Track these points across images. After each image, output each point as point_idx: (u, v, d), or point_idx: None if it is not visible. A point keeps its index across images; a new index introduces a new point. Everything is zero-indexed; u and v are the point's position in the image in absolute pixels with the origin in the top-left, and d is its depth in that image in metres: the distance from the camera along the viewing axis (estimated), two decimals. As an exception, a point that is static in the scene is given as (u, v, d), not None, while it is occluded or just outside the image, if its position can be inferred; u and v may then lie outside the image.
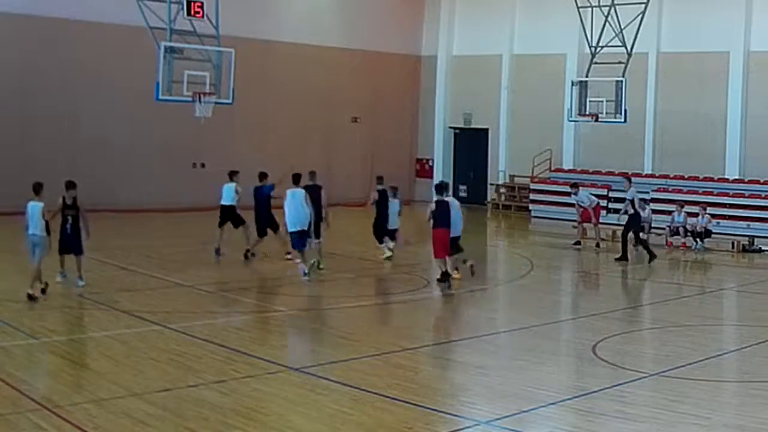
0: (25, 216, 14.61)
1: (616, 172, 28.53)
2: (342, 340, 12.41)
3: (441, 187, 16.82)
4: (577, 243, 22.76)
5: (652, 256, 20.36)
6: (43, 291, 14.36)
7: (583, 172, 30.50)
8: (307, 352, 11.63)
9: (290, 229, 16.68)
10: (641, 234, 21.64)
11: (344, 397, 9.60)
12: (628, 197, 20.72)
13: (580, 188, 23.31)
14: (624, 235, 20.62)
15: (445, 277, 16.36)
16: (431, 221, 16.21)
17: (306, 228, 16.85)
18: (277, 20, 30.75)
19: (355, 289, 16.66)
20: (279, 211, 17.87)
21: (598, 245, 22.30)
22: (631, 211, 20.55)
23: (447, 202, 16.46)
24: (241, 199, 19.07)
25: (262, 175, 19.27)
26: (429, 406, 9.38)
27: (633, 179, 26.55)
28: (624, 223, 20.92)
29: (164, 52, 19.53)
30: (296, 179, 17.40)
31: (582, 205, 22.83)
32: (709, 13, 27.76)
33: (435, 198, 16.54)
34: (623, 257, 20.35)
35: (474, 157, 34.36)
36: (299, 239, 16.71)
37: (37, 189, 14.71)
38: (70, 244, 15.71)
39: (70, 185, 15.68)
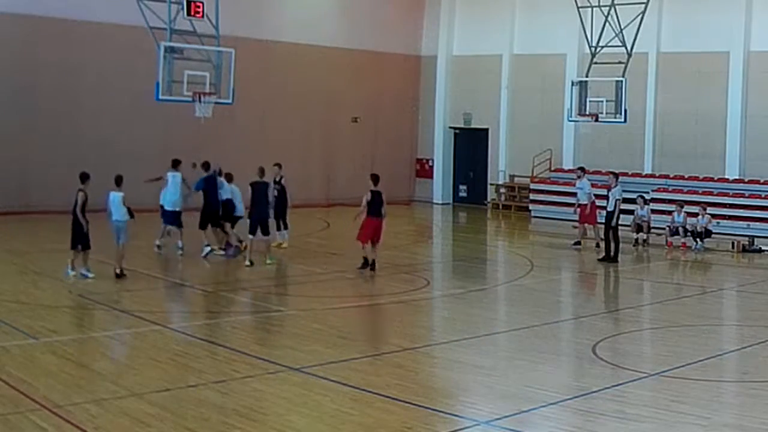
0: (107, 204, 16.33)
1: (616, 172, 28.48)
2: (342, 340, 12.41)
3: (377, 178, 18.17)
4: (577, 243, 22.75)
5: (613, 256, 20.22)
6: (121, 273, 16.02)
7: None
8: (307, 352, 11.63)
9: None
10: (642, 233, 21.64)
11: (344, 397, 9.61)
12: (616, 196, 20.55)
13: (586, 176, 23.12)
14: (607, 234, 20.52)
15: (366, 263, 17.62)
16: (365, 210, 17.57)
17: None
18: (277, 20, 30.74)
19: (355, 289, 16.66)
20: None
21: (597, 245, 22.28)
22: (611, 209, 20.42)
23: (380, 192, 17.75)
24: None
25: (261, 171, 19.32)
26: (429, 406, 9.38)
27: (632, 179, 26.61)
28: (604, 221, 20.81)
29: (164, 52, 19.53)
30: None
31: (579, 195, 22.61)
32: (709, 13, 27.74)
33: (373, 188, 17.72)
34: (607, 257, 20.31)
35: (474, 157, 34.34)
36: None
37: (119, 181, 16.41)
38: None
39: (87, 178, 16.36)
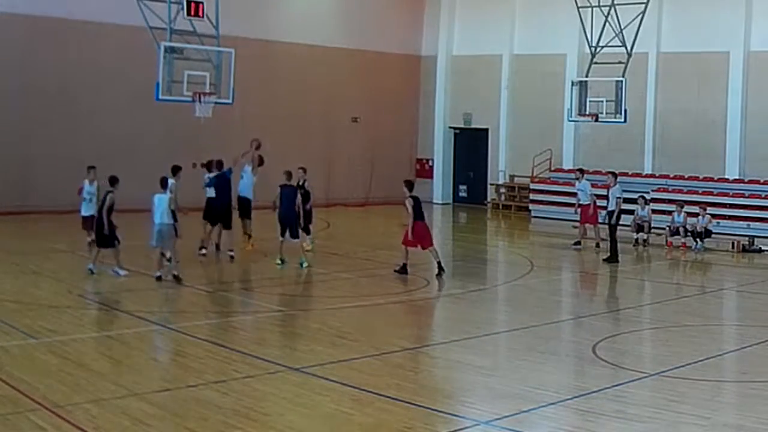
0: (152, 207, 16.02)
1: (615, 171, 28.48)
2: (342, 340, 12.41)
3: (412, 184, 18.34)
4: (578, 243, 22.74)
5: (614, 257, 20.24)
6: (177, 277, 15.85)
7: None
8: (307, 352, 11.63)
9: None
10: (642, 233, 21.61)
11: (344, 397, 9.60)
12: (617, 195, 20.57)
13: (585, 176, 23.12)
14: (612, 234, 20.52)
15: (405, 269, 17.60)
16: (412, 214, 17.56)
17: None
18: (277, 20, 30.75)
19: (355, 289, 16.66)
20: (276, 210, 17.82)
21: (597, 245, 22.29)
22: (612, 208, 20.43)
23: (418, 197, 18.05)
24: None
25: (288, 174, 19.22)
26: (429, 406, 9.38)
27: (632, 179, 26.59)
28: (606, 220, 20.80)
29: (164, 52, 19.52)
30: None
31: (580, 195, 22.61)
32: (709, 13, 27.75)
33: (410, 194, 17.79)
34: (613, 257, 20.30)
35: (474, 157, 34.34)
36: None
37: (164, 183, 16.18)
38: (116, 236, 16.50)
39: (116, 180, 16.56)
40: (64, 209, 23.00)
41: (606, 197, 21.06)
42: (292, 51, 30.80)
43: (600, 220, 22.18)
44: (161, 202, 15.88)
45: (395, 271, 17.62)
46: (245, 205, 19.87)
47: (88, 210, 18.19)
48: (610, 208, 20.51)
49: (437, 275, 17.41)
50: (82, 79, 26.30)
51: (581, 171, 23.51)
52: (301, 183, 19.94)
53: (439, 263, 17.61)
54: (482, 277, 19.90)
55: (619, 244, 20.49)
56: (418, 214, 17.64)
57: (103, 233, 16.14)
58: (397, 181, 33.60)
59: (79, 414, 8.68)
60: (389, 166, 33.53)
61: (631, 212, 23.19)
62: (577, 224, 23.30)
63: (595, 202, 22.52)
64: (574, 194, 23.51)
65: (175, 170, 18.02)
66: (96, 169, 18.52)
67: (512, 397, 9.75)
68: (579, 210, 22.77)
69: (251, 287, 16.98)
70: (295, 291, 16.49)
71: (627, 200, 21.92)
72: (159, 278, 15.79)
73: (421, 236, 17.67)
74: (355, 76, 32.62)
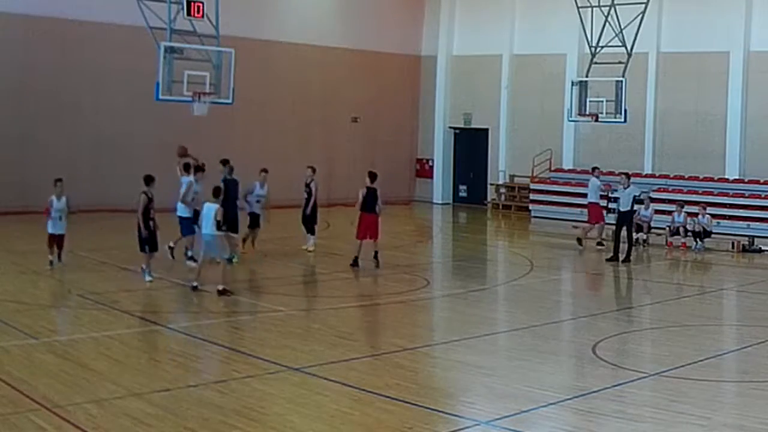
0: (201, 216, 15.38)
1: (617, 172, 28.50)
2: (342, 340, 12.41)
3: (374, 176, 18.62)
4: (600, 243, 22.40)
5: (614, 255, 20.24)
6: (226, 292, 14.85)
7: (583, 172, 30.48)
8: (307, 352, 11.63)
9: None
10: (642, 233, 21.59)
11: (344, 397, 9.61)
12: (634, 193, 20.67)
13: (599, 177, 22.84)
14: (629, 234, 20.56)
15: (356, 262, 18.02)
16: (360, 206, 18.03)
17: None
18: (277, 20, 30.75)
19: (355, 289, 16.66)
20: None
21: (600, 244, 22.29)
22: (627, 208, 20.46)
23: (375, 189, 18.23)
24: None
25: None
26: (429, 406, 9.38)
27: (633, 179, 26.53)
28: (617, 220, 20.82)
29: (164, 52, 19.52)
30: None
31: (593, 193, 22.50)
32: (709, 13, 27.75)
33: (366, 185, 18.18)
34: (615, 257, 20.30)
35: (474, 157, 34.34)
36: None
37: (217, 192, 15.40)
38: (155, 241, 16.03)
39: (151, 179, 16.12)
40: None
41: (606, 197, 21.07)
42: (292, 51, 30.81)
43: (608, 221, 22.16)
44: (210, 211, 15.08)
45: (350, 264, 18.05)
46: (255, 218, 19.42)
47: (56, 228, 16.81)
48: (623, 209, 20.46)
49: (351, 264, 17.95)
50: (81, 79, 26.29)
51: (596, 169, 23.20)
52: (308, 182, 19.97)
53: (375, 254, 18.20)
54: (482, 277, 19.90)
55: (623, 245, 20.50)
56: (368, 206, 18.03)
57: (140, 237, 15.74)
58: (397, 181, 34.04)
59: (79, 414, 8.68)
60: (389, 166, 33.50)
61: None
62: (592, 224, 22.84)
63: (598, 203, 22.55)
64: (574, 194, 23.52)
65: (195, 170, 17.67)
66: (63, 182, 17.17)
67: (512, 397, 9.75)
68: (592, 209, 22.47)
69: (251, 287, 16.97)
70: (295, 291, 16.50)
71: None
72: (195, 288, 15.16)
73: (361, 228, 18.07)
74: (355, 76, 32.62)
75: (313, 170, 20.11)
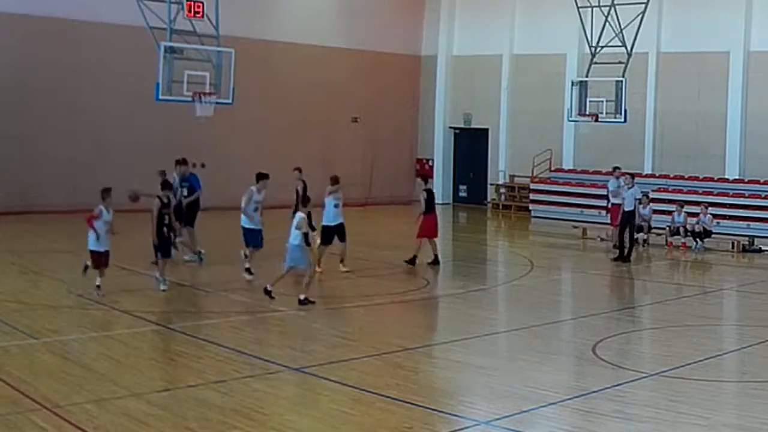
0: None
1: (632, 173, 28.40)
2: (342, 340, 12.41)
3: (427, 178, 20.09)
4: (616, 247, 21.36)
5: (620, 254, 20.22)
6: (307, 301, 14.50)
7: (583, 172, 30.52)
8: (307, 352, 11.63)
9: None
10: (642, 233, 21.59)
11: (344, 397, 9.60)
12: (636, 195, 20.65)
13: (620, 177, 21.65)
14: (631, 234, 20.54)
15: (414, 260, 18.69)
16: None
17: None
18: (277, 20, 30.76)
19: (355, 289, 16.66)
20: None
21: (615, 246, 22.18)
22: (630, 208, 20.45)
23: (432, 190, 19.29)
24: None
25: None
26: (429, 406, 9.38)
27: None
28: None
29: (164, 52, 19.53)
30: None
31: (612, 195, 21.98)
32: (709, 13, 27.75)
33: (424, 187, 19.10)
34: (621, 257, 20.29)
35: (474, 157, 34.36)
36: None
37: (306, 202, 15.26)
38: (168, 246, 15.69)
39: (168, 185, 15.92)
40: (64, 209, 23.01)
41: (607, 197, 21.06)
42: (292, 51, 30.81)
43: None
44: (296, 220, 14.53)
45: (405, 261, 18.74)
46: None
47: (103, 244, 14.65)
48: (627, 209, 20.42)
49: (407, 261, 18.69)
50: (81, 79, 26.30)
51: (617, 169, 22.34)
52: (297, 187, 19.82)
53: (436, 257, 18.94)
54: (482, 277, 19.92)
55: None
56: (430, 207, 18.88)
57: (154, 243, 15.28)
58: (397, 181, 34.03)
59: (79, 414, 8.68)
60: (389, 166, 33.55)
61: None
62: (612, 227, 22.51)
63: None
64: (574, 194, 23.49)
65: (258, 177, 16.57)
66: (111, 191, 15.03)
67: (512, 397, 9.75)
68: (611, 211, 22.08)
69: (251, 287, 16.95)
70: (295, 291, 16.47)
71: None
72: (269, 292, 14.77)
73: (426, 227, 18.90)
74: (355, 76, 32.61)
75: (300, 171, 20.01)
